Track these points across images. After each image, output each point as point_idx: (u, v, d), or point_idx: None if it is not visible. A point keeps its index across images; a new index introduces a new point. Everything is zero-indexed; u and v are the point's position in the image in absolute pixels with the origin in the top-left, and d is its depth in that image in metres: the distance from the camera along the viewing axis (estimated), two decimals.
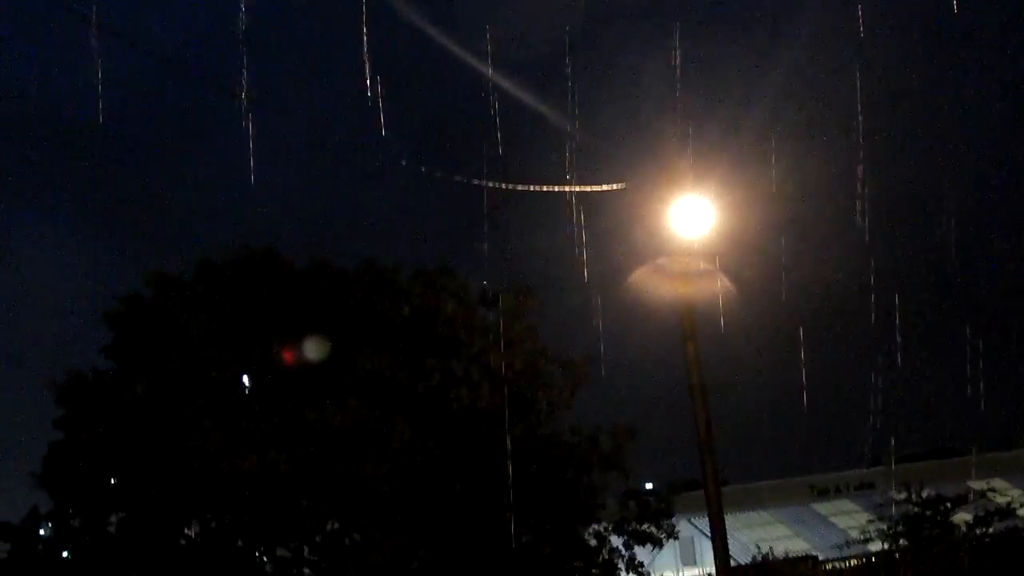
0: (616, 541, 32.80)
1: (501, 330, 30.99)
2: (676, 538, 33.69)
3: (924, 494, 38.42)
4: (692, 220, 32.01)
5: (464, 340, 31.09)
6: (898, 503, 39.47)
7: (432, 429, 29.73)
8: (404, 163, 28.62)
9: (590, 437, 32.48)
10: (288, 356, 29.97)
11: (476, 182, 31.39)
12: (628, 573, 32.31)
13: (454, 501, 29.45)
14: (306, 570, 30.47)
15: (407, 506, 28.72)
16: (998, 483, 46.40)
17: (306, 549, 30.40)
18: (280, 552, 30.54)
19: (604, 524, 32.75)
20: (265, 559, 30.64)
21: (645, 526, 32.69)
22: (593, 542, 32.53)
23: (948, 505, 37.78)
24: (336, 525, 30.39)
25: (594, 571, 31.87)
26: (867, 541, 39.90)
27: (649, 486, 34.88)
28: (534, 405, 31.74)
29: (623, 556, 32.64)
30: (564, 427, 32.61)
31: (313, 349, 29.90)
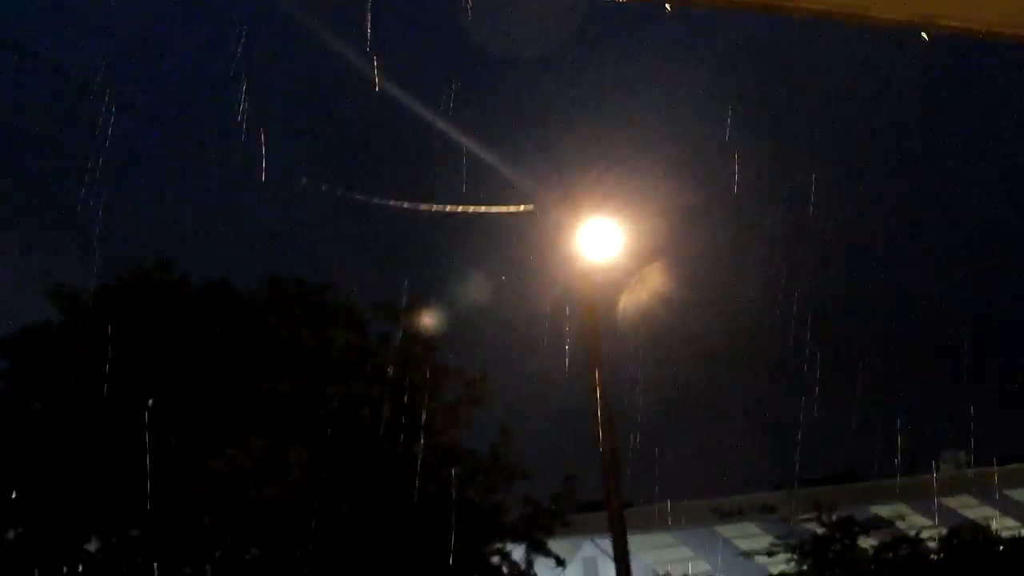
0: (517, 555, 32.92)
1: (399, 345, 31.14)
2: (561, 563, 33.84)
3: (834, 517, 38.81)
4: (601, 242, 32.28)
5: (360, 363, 31.18)
6: (805, 525, 39.85)
7: (333, 450, 29.72)
8: (304, 180, 28.72)
9: (492, 452, 32.65)
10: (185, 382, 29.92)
11: (386, 203, 31.52)
12: None
13: (356, 520, 29.43)
14: None
15: (306, 526, 28.71)
16: (901, 508, 46.91)
17: (208, 568, 30.28)
18: (184, 570, 30.40)
19: (507, 542, 32.88)
20: None
21: (541, 532, 32.90)
22: (496, 559, 32.64)
23: (857, 529, 38.17)
24: (235, 542, 30.31)
25: None
26: (771, 559, 40.23)
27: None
28: (434, 422, 31.82)
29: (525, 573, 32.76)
30: (463, 446, 32.79)
31: (212, 373, 29.87)
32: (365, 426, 30.14)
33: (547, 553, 33.16)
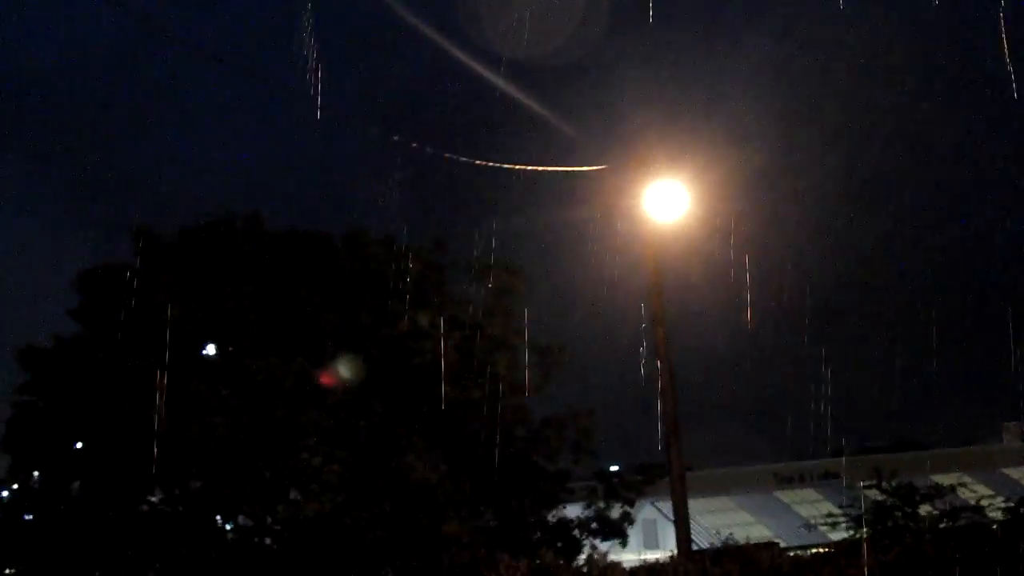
0: (579, 533, 32.89)
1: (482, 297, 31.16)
2: (632, 522, 33.78)
3: (895, 483, 38.49)
4: (667, 204, 32.08)
5: (432, 299, 31.15)
6: (865, 492, 39.53)
7: (385, 384, 29.75)
8: (396, 138, 28.65)
9: (558, 423, 32.55)
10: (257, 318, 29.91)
11: (464, 160, 31.42)
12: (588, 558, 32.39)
13: (409, 469, 29.39)
14: (267, 539, 30.39)
15: (347, 463, 28.73)
16: (962, 477, 46.57)
17: (268, 519, 30.32)
18: (243, 521, 30.48)
19: (570, 510, 32.86)
20: (227, 527, 30.57)
21: (614, 508, 32.81)
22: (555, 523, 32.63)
23: (918, 497, 37.85)
24: (297, 495, 30.33)
25: (559, 548, 31.94)
26: (833, 528, 39.97)
27: (615, 468, 34.91)
28: (499, 380, 31.76)
29: (584, 544, 32.73)
30: (533, 410, 32.75)
31: (282, 310, 29.89)
32: (426, 361, 30.11)
33: (618, 535, 33.19)
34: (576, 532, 32.47)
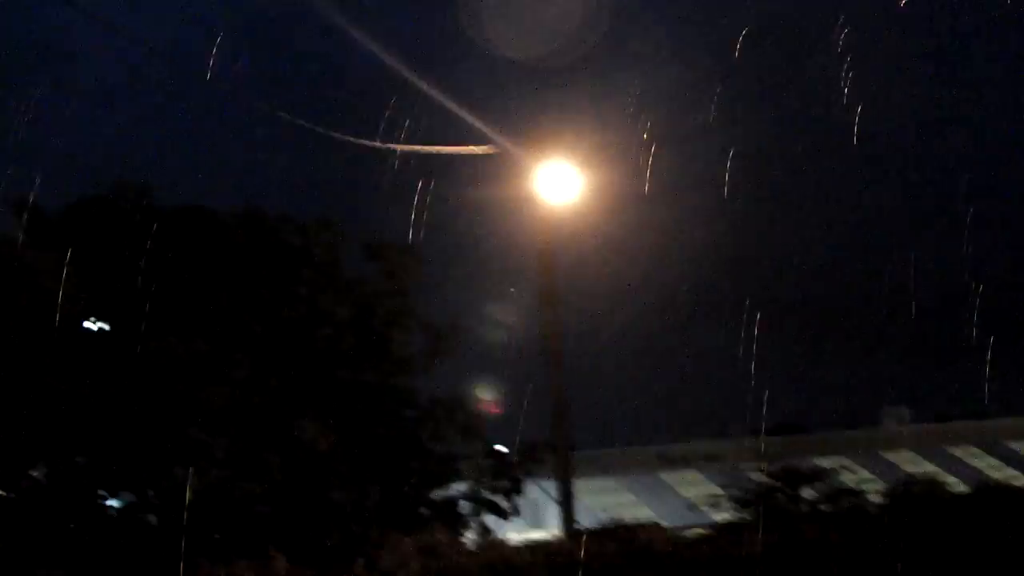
0: (464, 508, 32.93)
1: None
2: (520, 495, 33.86)
3: (778, 466, 39.01)
4: (559, 186, 32.27)
5: (332, 287, 31.04)
6: (749, 474, 40.02)
7: (282, 363, 29.64)
8: (283, 115, 28.51)
9: (448, 405, 32.58)
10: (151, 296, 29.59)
11: (350, 139, 31.33)
12: (473, 536, 32.44)
13: (297, 443, 29.34)
14: (151, 516, 30.17)
15: (246, 443, 28.62)
16: (844, 462, 47.21)
17: (151, 494, 30.10)
18: (126, 497, 30.21)
19: (457, 488, 32.89)
20: (109, 504, 30.28)
21: (500, 486, 32.88)
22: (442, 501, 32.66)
23: (801, 479, 38.38)
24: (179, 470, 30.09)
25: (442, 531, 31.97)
26: (716, 509, 40.41)
27: (501, 448, 35.02)
28: (391, 359, 31.76)
29: (471, 521, 32.80)
30: (423, 391, 32.74)
31: (179, 290, 29.60)
32: (325, 348, 30.08)
33: (503, 515, 33.26)
34: (463, 510, 32.51)
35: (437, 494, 32.42)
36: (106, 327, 29.91)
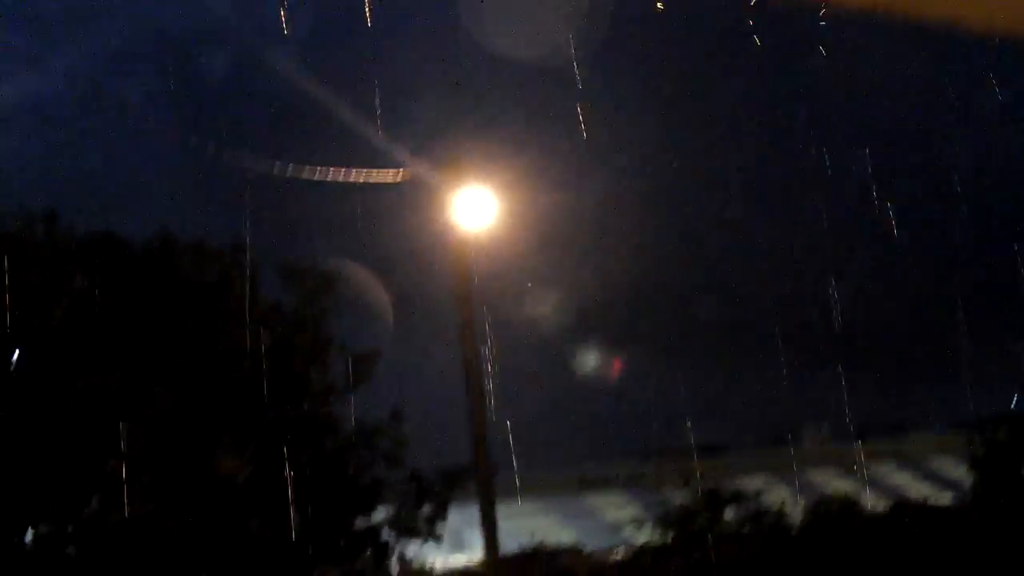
0: (386, 535, 32.82)
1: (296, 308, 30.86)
2: (444, 522, 33.80)
3: (699, 488, 39.27)
4: (475, 211, 32.28)
5: (251, 318, 30.77)
6: (671, 496, 40.21)
7: (203, 400, 29.42)
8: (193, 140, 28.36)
9: (370, 432, 32.45)
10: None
11: (267, 167, 31.22)
12: (396, 563, 32.35)
13: (220, 476, 29.16)
14: (70, 549, 29.86)
15: (166, 475, 28.38)
16: (766, 481, 47.54)
17: (70, 527, 29.81)
18: (44, 530, 29.90)
19: (381, 519, 32.77)
20: (26, 539, 29.96)
21: (424, 514, 32.80)
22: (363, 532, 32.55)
23: (722, 500, 38.65)
24: (100, 503, 29.83)
25: (365, 560, 31.89)
26: (638, 531, 40.62)
27: (423, 474, 34.95)
28: (310, 390, 31.61)
29: (394, 549, 32.70)
30: (343, 419, 32.58)
31: (93, 322, 29.28)
32: (243, 379, 29.86)
33: (431, 537, 33.18)
34: (386, 537, 32.41)
35: (360, 522, 32.31)
36: (16, 359, 29.56)
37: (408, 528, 32.89)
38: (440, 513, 33.39)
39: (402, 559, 32.13)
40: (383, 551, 32.32)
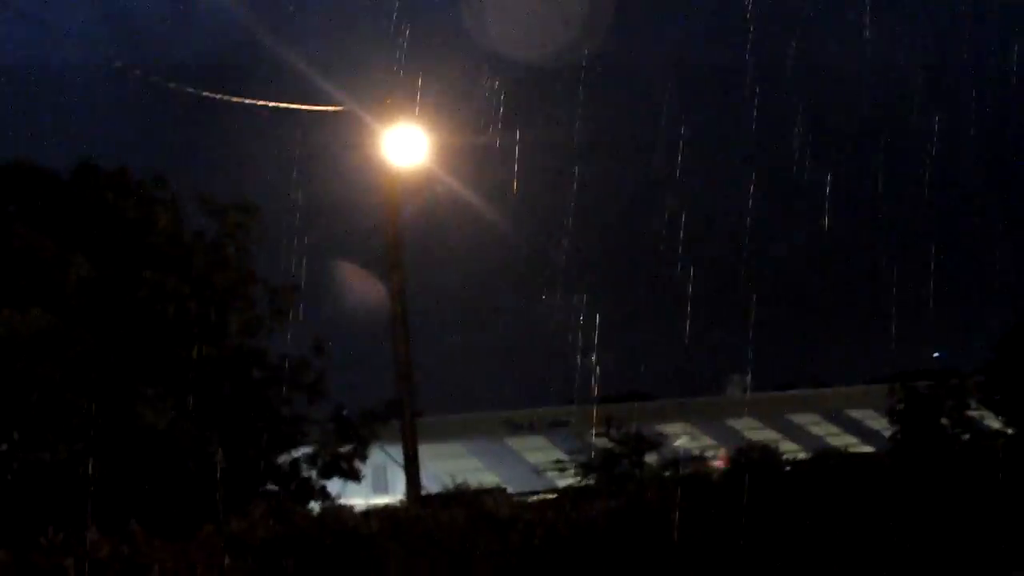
0: (309, 471, 32.69)
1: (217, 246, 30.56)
2: (364, 461, 33.68)
3: (623, 433, 39.50)
4: (406, 149, 32.17)
5: (174, 255, 30.43)
6: (594, 441, 40.43)
7: (125, 339, 29.12)
8: (118, 64, 27.95)
9: (293, 367, 32.25)
10: None
11: (191, 90, 30.88)
12: (319, 501, 32.22)
13: (142, 415, 28.90)
14: None
15: (86, 409, 28.11)
16: (688, 428, 47.94)
17: None
18: None
19: (302, 452, 32.62)
20: None
21: (344, 452, 32.67)
22: (287, 468, 32.40)
23: (644, 445, 38.92)
24: (14, 439, 29.51)
25: (285, 496, 31.73)
26: (561, 474, 40.79)
27: (344, 412, 34.85)
28: (230, 326, 31.33)
29: (316, 485, 32.57)
30: (268, 352, 32.33)
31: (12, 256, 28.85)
32: (167, 322, 29.54)
33: (351, 476, 33.05)
34: (308, 474, 32.30)
35: (283, 459, 32.19)
36: None
37: (328, 465, 32.76)
38: (361, 451, 33.28)
39: (324, 494, 32.01)
40: (306, 489, 32.21)
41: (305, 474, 32.29)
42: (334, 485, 32.85)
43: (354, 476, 33.16)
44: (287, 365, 32.14)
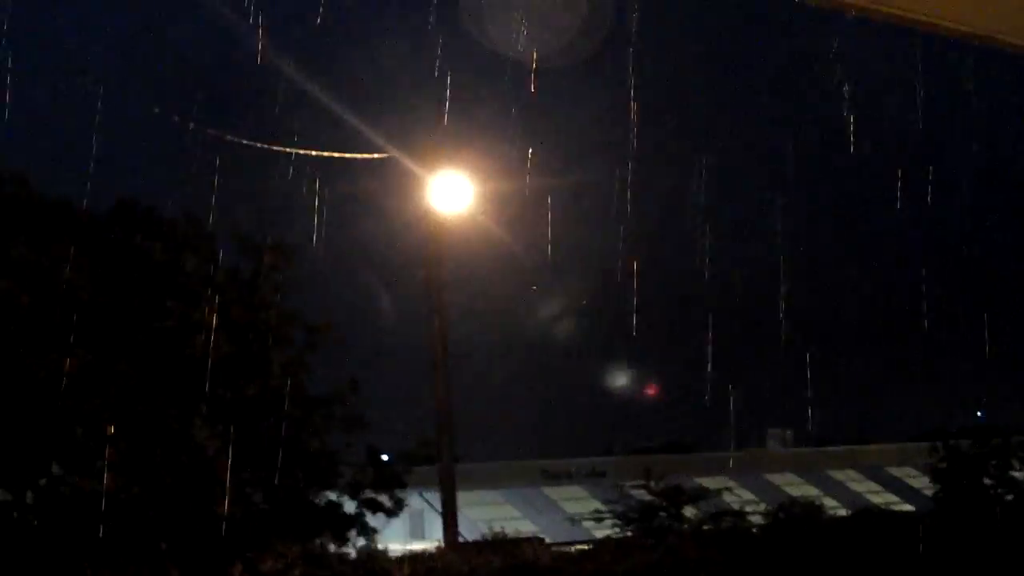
0: (349, 507, 32.54)
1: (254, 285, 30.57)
2: (403, 507, 33.54)
3: (662, 485, 39.17)
4: (451, 195, 32.19)
5: (205, 294, 30.43)
6: (633, 492, 40.10)
7: (163, 375, 29.15)
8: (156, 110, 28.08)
9: (329, 400, 32.14)
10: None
11: (232, 138, 30.98)
12: (359, 536, 32.07)
13: (179, 450, 28.89)
14: (29, 517, 29.60)
15: (127, 445, 28.13)
16: (727, 482, 47.53)
17: (29, 495, 29.52)
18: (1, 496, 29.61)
19: (338, 492, 32.49)
20: None
21: (380, 495, 32.52)
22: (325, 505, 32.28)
23: (683, 498, 38.57)
24: (60, 470, 29.55)
25: (326, 533, 31.64)
26: (598, 524, 40.50)
27: (384, 458, 34.73)
28: (270, 365, 31.28)
29: (356, 522, 32.45)
30: (304, 390, 32.24)
31: (54, 293, 28.90)
32: (198, 356, 29.52)
33: (387, 512, 32.87)
34: (345, 512, 32.18)
35: (320, 497, 32.08)
36: None
37: (367, 501, 32.62)
38: (399, 499, 33.17)
39: (363, 528, 31.84)
40: (343, 531, 32.08)
41: (346, 509, 32.21)
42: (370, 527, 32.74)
43: (397, 509, 33.01)
44: (322, 401, 32.08)
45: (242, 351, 30.31)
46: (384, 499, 32.63)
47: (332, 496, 32.31)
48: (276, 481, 30.10)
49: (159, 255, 30.26)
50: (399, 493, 32.88)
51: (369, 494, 32.42)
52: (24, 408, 27.85)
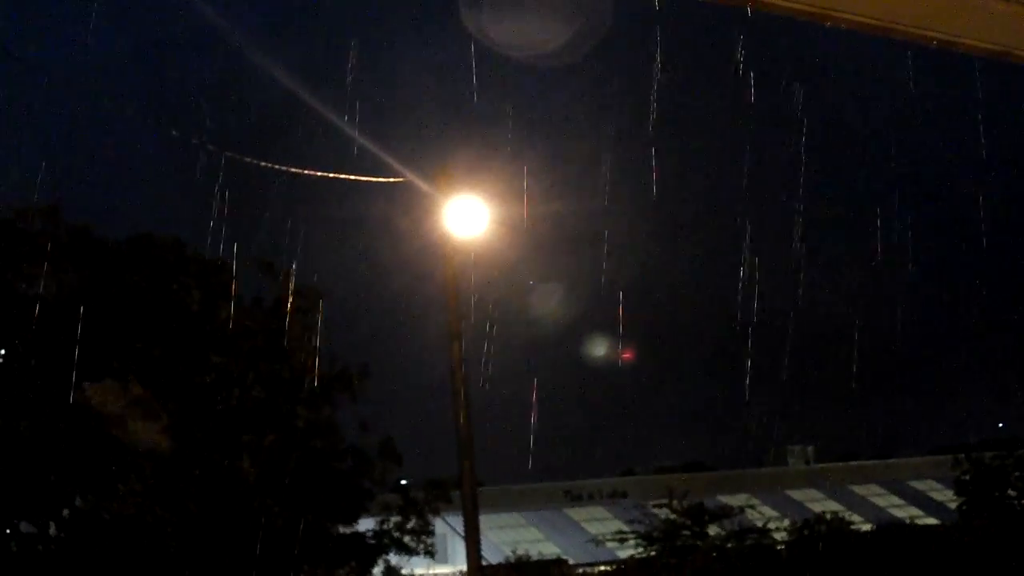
0: (373, 543, 32.63)
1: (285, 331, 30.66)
2: (431, 535, 33.61)
3: (685, 504, 39.09)
4: (467, 219, 32.14)
5: (239, 344, 30.55)
6: (655, 511, 40.04)
7: (198, 419, 29.29)
8: (175, 133, 28.11)
9: (360, 456, 32.29)
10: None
11: (249, 161, 30.99)
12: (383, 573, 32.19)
13: (215, 487, 29.01)
14: (52, 547, 29.65)
15: (165, 482, 28.25)
16: (750, 499, 47.43)
17: (52, 525, 29.57)
18: (26, 528, 29.66)
19: (367, 529, 32.59)
20: (8, 533, 29.72)
21: (406, 538, 32.62)
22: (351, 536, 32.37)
23: (707, 517, 38.48)
24: (84, 501, 29.63)
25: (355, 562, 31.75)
26: (621, 545, 40.41)
27: (403, 482, 34.76)
28: (302, 410, 31.40)
29: (380, 557, 32.53)
30: (333, 434, 32.38)
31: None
32: (231, 407, 29.72)
33: (411, 553, 33.00)
34: (373, 545, 32.26)
35: (345, 529, 32.15)
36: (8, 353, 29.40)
37: (394, 540, 32.71)
38: (425, 527, 33.24)
39: (388, 569, 31.91)
40: (369, 559, 32.14)
41: (370, 542, 32.29)
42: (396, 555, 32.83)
43: (427, 551, 33.11)
44: (355, 451, 32.22)
45: (271, 400, 30.51)
46: (408, 539, 32.77)
47: (360, 528, 32.47)
48: (304, 514, 30.22)
49: (196, 306, 30.43)
50: (426, 540, 33.05)
51: (396, 534, 32.60)
52: (62, 438, 28.03)
